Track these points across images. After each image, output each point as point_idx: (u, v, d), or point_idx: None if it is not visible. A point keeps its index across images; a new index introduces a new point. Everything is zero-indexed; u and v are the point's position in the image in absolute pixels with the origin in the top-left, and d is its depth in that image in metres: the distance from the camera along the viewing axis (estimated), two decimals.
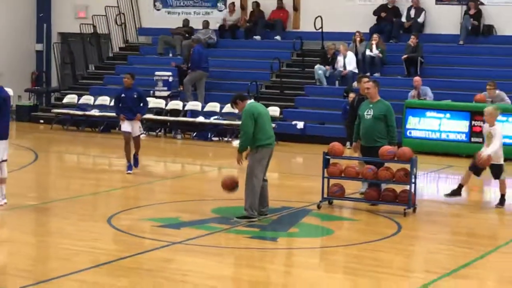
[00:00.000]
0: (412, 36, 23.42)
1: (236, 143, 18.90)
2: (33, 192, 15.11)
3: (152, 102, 23.52)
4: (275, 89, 24.59)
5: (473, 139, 19.58)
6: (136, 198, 14.72)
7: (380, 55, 23.69)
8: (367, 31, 24.59)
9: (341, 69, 23.64)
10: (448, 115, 20.44)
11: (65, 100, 26.07)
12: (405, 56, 23.29)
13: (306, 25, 26.02)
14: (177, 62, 25.37)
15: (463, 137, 19.91)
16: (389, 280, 9.60)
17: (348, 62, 23.57)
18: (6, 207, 12.91)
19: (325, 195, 13.55)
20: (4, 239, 11.43)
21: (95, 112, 24.68)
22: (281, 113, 22.72)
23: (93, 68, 28.64)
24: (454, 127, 20.22)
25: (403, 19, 24.89)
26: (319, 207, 13.46)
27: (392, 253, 10.89)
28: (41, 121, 26.45)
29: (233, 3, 27.13)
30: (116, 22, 28.37)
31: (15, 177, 14.99)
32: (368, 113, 13.61)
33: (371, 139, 13.55)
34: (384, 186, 13.56)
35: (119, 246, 11.00)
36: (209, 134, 23.05)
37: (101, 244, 11.01)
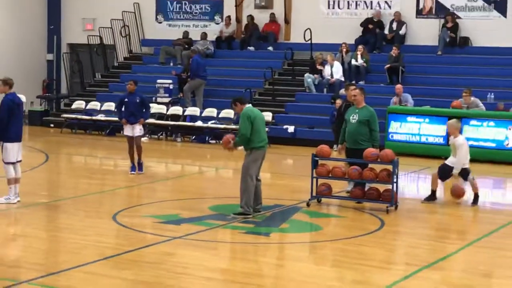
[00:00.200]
0: (394, 47, 23.45)
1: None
2: (44, 190, 15.11)
3: (154, 108, 23.53)
4: (267, 96, 24.60)
5: (451, 140, 19.56)
6: (139, 197, 14.72)
7: (365, 64, 23.71)
8: (353, 42, 24.61)
9: (329, 77, 23.65)
10: (427, 120, 20.47)
11: (73, 106, 26.05)
12: (387, 65, 23.31)
13: (296, 37, 26.04)
14: (177, 71, 25.38)
15: (441, 140, 19.93)
16: (373, 272, 9.62)
17: (335, 71, 23.60)
18: (19, 204, 12.92)
19: (314, 194, 13.56)
20: (17, 234, 11.44)
21: (101, 117, 24.68)
22: (273, 118, 22.73)
23: (100, 77, 28.61)
24: (432, 131, 20.24)
25: (386, 31, 24.93)
26: (308, 204, 13.47)
27: (376, 247, 10.90)
28: (52, 125, 26.42)
29: (229, 17, 27.15)
30: (121, 34, 28.35)
31: (27, 176, 14.99)
32: (353, 118, 13.66)
33: (356, 142, 13.58)
34: (368, 185, 13.60)
35: (123, 240, 11.00)
36: (207, 137, 23.05)
37: (106, 239, 11.01)
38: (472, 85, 21.53)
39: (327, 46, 24.78)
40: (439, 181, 14.15)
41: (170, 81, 24.85)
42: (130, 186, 15.44)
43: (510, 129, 19.54)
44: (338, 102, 20.75)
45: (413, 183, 17.57)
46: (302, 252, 10.80)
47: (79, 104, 25.88)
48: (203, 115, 23.59)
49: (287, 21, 26.55)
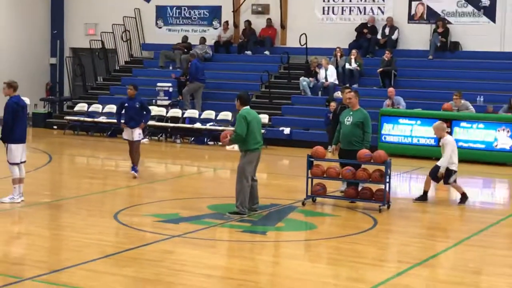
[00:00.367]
0: (387, 52, 23.46)
1: (230, 147, 18.91)
2: (48, 190, 15.09)
3: (154, 110, 23.54)
4: (264, 99, 24.59)
5: (440, 143, 19.59)
6: (139, 196, 14.70)
7: (358, 68, 23.72)
8: (347, 47, 24.63)
9: (323, 80, 23.65)
10: (418, 122, 20.47)
11: (76, 108, 26.03)
12: (380, 69, 23.32)
13: (292, 42, 26.05)
14: (177, 74, 25.38)
15: (432, 141, 19.93)
16: (366, 269, 9.62)
17: (330, 74, 23.60)
18: (23, 204, 12.90)
19: (309, 193, 13.56)
20: (21, 232, 11.43)
21: (103, 119, 24.66)
22: (269, 120, 22.73)
23: (101, 80, 28.59)
24: (424, 133, 20.23)
25: (379, 36, 24.95)
26: (303, 204, 13.47)
27: (369, 245, 10.90)
28: (55, 127, 26.40)
29: (227, 22, 27.15)
30: (122, 39, 28.33)
31: (31, 177, 14.98)
32: (348, 120, 13.67)
33: (350, 143, 13.59)
34: (361, 185, 13.60)
35: (124, 239, 10.99)
36: (205, 138, 23.04)
37: (108, 237, 11.00)
38: (462, 88, 21.54)
39: (322, 51, 24.80)
40: (432, 182, 14.13)
41: (169, 84, 24.85)
42: (131, 186, 15.42)
43: (499, 131, 19.55)
44: (333, 104, 20.82)
45: (405, 183, 17.57)
46: (297, 250, 10.79)
47: (81, 106, 25.85)
48: (201, 117, 23.59)
49: (283, 26, 26.57)
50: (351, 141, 13.56)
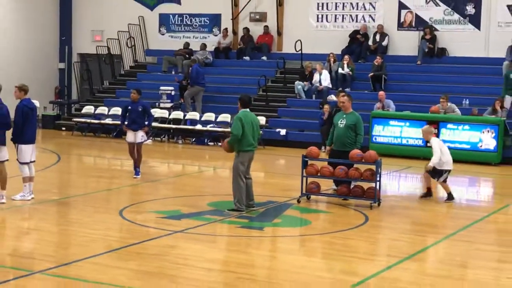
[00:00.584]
0: (377, 57, 23.45)
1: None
2: (56, 188, 15.08)
3: (157, 112, 23.57)
4: (261, 102, 24.55)
5: (428, 144, 19.61)
6: (143, 194, 14.67)
7: (350, 73, 23.71)
8: (339, 52, 24.60)
9: (317, 84, 23.63)
10: (407, 123, 20.46)
11: (83, 111, 25.99)
12: (371, 74, 23.31)
13: (288, 48, 26.04)
14: (179, 79, 25.35)
15: (420, 142, 19.92)
16: (358, 263, 9.61)
17: (323, 78, 23.58)
18: (33, 201, 12.89)
19: (304, 191, 13.56)
20: (31, 228, 11.42)
21: (109, 121, 24.62)
22: (266, 121, 22.70)
23: (107, 84, 28.55)
24: (412, 134, 20.22)
25: (370, 42, 24.94)
26: (298, 201, 13.46)
27: (360, 240, 10.90)
28: (63, 128, 26.35)
29: (226, 29, 27.14)
30: (127, 45, 28.31)
31: (41, 175, 14.96)
32: (341, 122, 13.65)
33: (343, 144, 13.57)
34: (353, 183, 13.59)
35: (129, 234, 10.98)
36: (206, 139, 23.02)
37: (113, 233, 10.99)
38: (449, 91, 21.55)
39: (316, 56, 24.79)
40: (431, 179, 14.13)
41: (172, 88, 24.83)
42: (135, 184, 15.40)
43: (483, 132, 19.56)
44: (326, 107, 20.82)
45: (395, 181, 17.57)
46: (293, 245, 10.78)
47: (88, 109, 25.81)
48: (202, 119, 23.56)
49: (279, 33, 26.56)
50: (344, 142, 13.55)
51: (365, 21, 25.18)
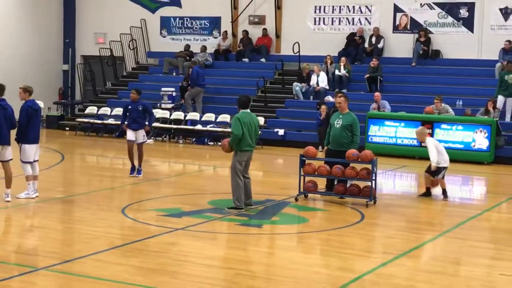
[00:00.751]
0: (373, 59, 23.46)
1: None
2: (60, 187, 15.05)
3: (159, 113, 23.58)
4: (260, 102, 24.56)
5: (422, 144, 19.61)
6: (145, 192, 14.66)
7: (347, 74, 23.72)
8: (336, 54, 24.64)
9: (315, 86, 23.64)
10: (402, 124, 20.47)
11: (87, 111, 25.99)
12: (367, 75, 23.32)
13: (286, 50, 26.05)
14: (180, 80, 25.34)
15: (414, 142, 19.89)
16: (354, 260, 9.61)
17: (321, 80, 23.59)
18: (38, 199, 12.89)
19: (301, 190, 13.56)
20: (35, 225, 11.40)
21: (111, 121, 24.61)
22: (265, 122, 22.71)
23: (110, 85, 28.55)
24: (407, 134, 20.23)
25: (366, 44, 24.96)
26: (296, 199, 13.46)
27: (357, 237, 10.90)
28: (67, 128, 26.37)
29: (226, 32, 27.14)
30: (129, 47, 28.32)
31: (45, 174, 14.96)
32: (337, 123, 13.62)
33: (339, 144, 13.55)
34: (349, 182, 13.58)
35: (131, 231, 10.96)
36: (206, 139, 23.03)
37: (115, 230, 10.99)
38: (443, 93, 21.57)
39: (314, 58, 24.79)
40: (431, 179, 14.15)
41: (173, 89, 24.83)
42: (137, 183, 15.40)
43: (476, 132, 19.57)
44: (323, 108, 20.82)
45: (390, 180, 17.56)
46: (291, 242, 10.78)
47: (91, 109, 25.82)
48: (202, 119, 23.57)
49: (278, 35, 26.56)
50: (341, 142, 13.53)
51: (361, 24, 25.20)
